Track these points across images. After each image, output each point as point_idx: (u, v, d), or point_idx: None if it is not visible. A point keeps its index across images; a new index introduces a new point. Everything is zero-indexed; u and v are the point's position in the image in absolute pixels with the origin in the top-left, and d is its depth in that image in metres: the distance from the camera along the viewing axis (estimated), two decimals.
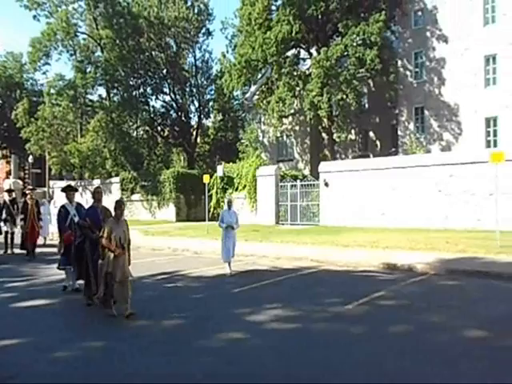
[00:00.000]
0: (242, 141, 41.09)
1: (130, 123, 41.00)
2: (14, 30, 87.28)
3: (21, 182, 36.24)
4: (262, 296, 8.44)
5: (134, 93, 39.22)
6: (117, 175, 35.19)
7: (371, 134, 32.52)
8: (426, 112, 27.59)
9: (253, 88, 35.07)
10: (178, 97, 42.45)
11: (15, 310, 7.78)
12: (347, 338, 5.95)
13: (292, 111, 32.34)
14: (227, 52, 34.51)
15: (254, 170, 25.74)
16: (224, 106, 44.27)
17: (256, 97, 34.61)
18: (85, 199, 27.21)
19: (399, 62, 28.69)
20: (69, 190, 9.25)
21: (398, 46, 28.91)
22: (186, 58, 43.10)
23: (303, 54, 31.23)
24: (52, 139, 38.04)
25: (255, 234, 18.49)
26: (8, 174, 49.54)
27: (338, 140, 30.20)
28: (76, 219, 8.69)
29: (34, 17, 35.73)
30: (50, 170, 39.74)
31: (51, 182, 38.98)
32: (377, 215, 20.60)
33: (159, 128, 43.69)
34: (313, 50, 29.83)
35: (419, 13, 27.85)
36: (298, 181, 24.25)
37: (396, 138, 29.37)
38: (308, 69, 29.26)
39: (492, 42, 24.47)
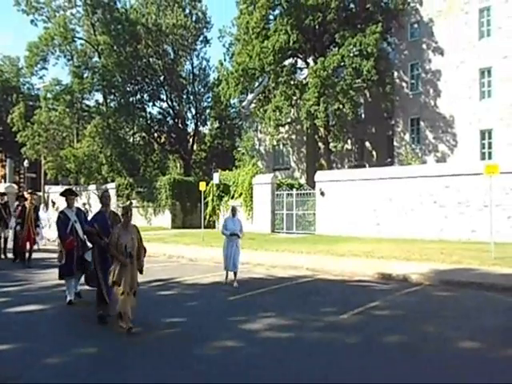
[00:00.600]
0: (239, 149, 41.16)
1: (127, 129, 40.90)
2: (12, 36, 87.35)
3: (16, 186, 36.00)
4: (257, 304, 8.44)
5: (130, 99, 39.13)
6: (113, 181, 35.06)
7: (367, 144, 32.66)
8: (422, 123, 27.76)
9: (250, 96, 35.14)
10: (174, 104, 42.44)
11: (8, 315, 7.72)
12: (342, 348, 5.96)
13: (289, 120, 32.42)
14: (224, 60, 34.47)
15: (250, 178, 25.77)
16: (221, 114, 44.29)
17: (253, 105, 34.69)
18: (80, 204, 27.13)
19: (395, 74, 28.93)
20: (69, 195, 8.69)
21: (395, 57, 29.17)
22: (183, 65, 43.13)
23: (300, 63, 31.37)
24: (48, 144, 37.88)
25: (251, 242, 18.43)
26: (3, 177, 49.30)
27: (334, 149, 30.35)
28: (78, 226, 8.24)
29: (32, 21, 35.79)
30: (45, 174, 39.52)
31: (46, 187, 38.76)
32: (372, 225, 20.69)
33: (156, 134, 43.59)
34: (310, 60, 30.00)
35: (415, 25, 28.11)
36: (294, 189, 24.27)
37: (392, 149, 29.53)
38: (305, 78, 29.39)
39: (487, 55, 24.71)
